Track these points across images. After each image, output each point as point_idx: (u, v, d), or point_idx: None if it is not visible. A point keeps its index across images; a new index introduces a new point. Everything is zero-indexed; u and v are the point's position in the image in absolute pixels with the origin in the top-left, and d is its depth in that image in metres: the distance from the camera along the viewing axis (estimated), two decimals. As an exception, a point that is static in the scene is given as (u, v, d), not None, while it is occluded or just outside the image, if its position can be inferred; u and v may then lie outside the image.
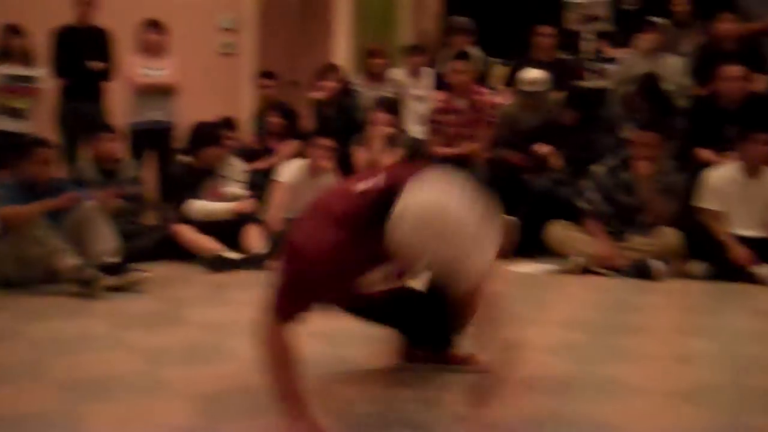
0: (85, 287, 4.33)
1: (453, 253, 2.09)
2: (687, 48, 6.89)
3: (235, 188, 5.79)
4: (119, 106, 6.70)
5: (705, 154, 5.62)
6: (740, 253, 4.89)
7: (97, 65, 6.57)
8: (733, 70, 5.71)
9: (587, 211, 5.21)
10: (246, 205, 5.63)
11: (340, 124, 6.66)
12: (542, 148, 5.97)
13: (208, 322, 3.83)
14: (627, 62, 6.67)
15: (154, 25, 6.72)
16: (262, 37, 8.64)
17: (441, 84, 6.94)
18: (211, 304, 4.30)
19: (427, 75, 7.32)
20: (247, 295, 4.72)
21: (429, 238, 2.08)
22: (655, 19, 6.64)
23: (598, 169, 5.26)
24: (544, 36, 6.88)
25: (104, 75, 6.67)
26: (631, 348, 3.38)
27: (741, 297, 4.57)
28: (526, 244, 5.58)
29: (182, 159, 5.98)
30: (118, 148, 5.74)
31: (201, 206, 5.53)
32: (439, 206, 2.10)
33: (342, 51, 8.53)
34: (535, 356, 3.21)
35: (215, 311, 4.13)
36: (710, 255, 4.99)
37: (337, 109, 6.84)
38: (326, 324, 2.87)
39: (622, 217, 5.20)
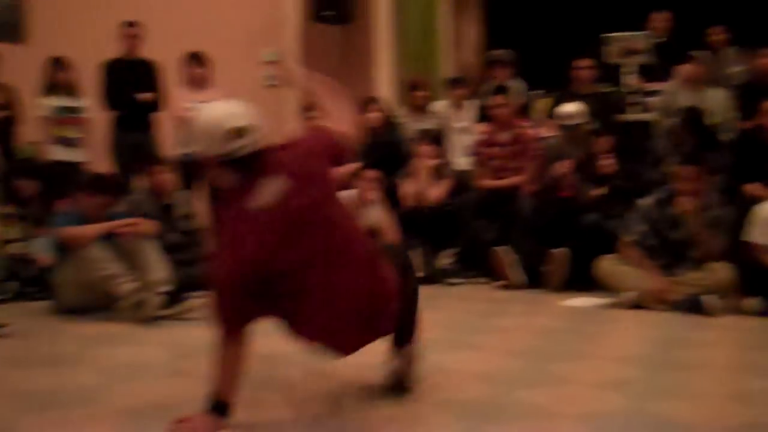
0: (141, 313, 4.41)
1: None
2: (726, 78, 6.92)
3: None
4: (168, 137, 6.81)
5: (753, 188, 5.60)
6: None
7: (146, 97, 6.69)
8: (774, 103, 5.68)
9: (631, 243, 5.19)
10: None
11: (385, 156, 6.71)
12: (562, 167, 5.98)
13: (263, 352, 3.84)
14: (669, 95, 6.67)
15: (197, 58, 6.82)
16: (305, 69, 8.74)
17: (483, 116, 6.99)
18: (268, 333, 4.33)
19: (470, 107, 7.37)
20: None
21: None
22: (694, 51, 6.66)
23: (645, 202, 5.25)
24: (583, 69, 6.91)
25: (153, 106, 6.79)
26: (685, 385, 3.36)
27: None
28: (576, 277, 5.58)
29: None
30: (171, 180, 5.81)
31: None
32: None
33: (384, 83, 8.61)
34: (586, 392, 3.22)
35: (270, 341, 4.15)
36: (763, 290, 4.93)
37: (381, 141, 6.89)
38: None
39: (670, 252, 5.17)
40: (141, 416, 2.81)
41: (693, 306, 4.89)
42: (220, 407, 2.66)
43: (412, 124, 7.07)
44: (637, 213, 5.22)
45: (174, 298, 4.58)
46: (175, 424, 2.66)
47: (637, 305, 5.04)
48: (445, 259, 6.29)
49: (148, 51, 6.88)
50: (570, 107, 6.21)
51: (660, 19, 7.58)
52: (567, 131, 6.22)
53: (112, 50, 6.80)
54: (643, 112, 7.26)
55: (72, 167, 6.28)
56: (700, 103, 6.36)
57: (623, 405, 3.04)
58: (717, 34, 7.24)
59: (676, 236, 5.13)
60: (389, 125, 6.94)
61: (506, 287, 5.81)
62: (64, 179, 5.91)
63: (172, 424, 2.65)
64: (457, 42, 8.79)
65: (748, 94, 6.43)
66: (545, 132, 6.79)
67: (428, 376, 3.21)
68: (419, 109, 7.12)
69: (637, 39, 7.47)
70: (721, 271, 5.00)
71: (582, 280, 5.53)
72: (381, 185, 6.00)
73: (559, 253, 5.61)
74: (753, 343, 4.40)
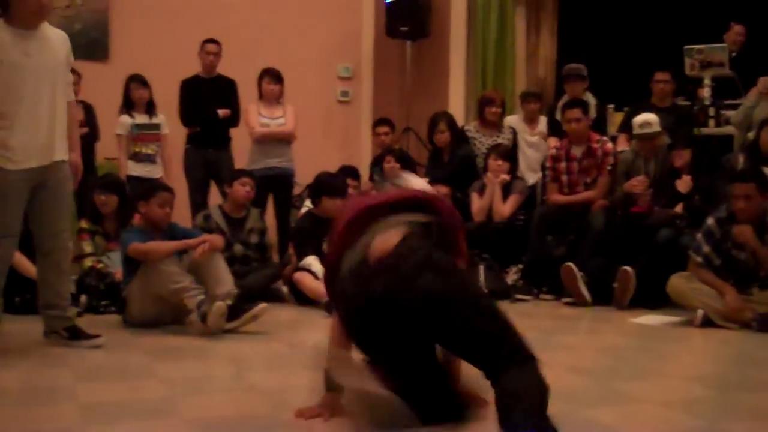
0: (208, 326, 4.48)
1: None
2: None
3: None
4: (241, 153, 6.93)
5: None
6: None
7: (225, 113, 6.83)
8: None
9: (699, 264, 5.10)
10: None
11: (455, 171, 6.72)
12: (636, 184, 5.90)
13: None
14: (747, 108, 6.53)
15: (272, 74, 6.92)
16: (378, 84, 8.82)
17: (556, 131, 6.94)
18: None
19: (543, 122, 7.33)
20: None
21: None
22: None
23: (709, 219, 5.15)
24: (662, 82, 6.82)
25: (230, 123, 6.92)
26: (758, 405, 3.28)
27: None
28: (648, 294, 5.51)
29: (309, 209, 6.08)
30: (248, 193, 5.90)
31: (314, 265, 5.66)
32: None
33: (457, 98, 8.62)
34: (655, 411, 3.17)
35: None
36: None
37: (451, 156, 6.91)
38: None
39: (735, 270, 5.06)
40: (209, 429, 2.86)
41: (766, 324, 4.78)
42: None
43: (483, 139, 7.07)
44: (701, 232, 5.12)
45: (238, 310, 4.64)
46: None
47: (708, 323, 4.95)
48: (513, 275, 6.27)
49: (223, 67, 7.03)
50: (645, 116, 6.15)
51: (734, 32, 7.46)
52: (642, 140, 6.14)
53: (192, 68, 6.96)
54: (721, 125, 7.12)
55: (149, 183, 6.44)
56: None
57: (692, 425, 2.98)
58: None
59: (740, 254, 5.03)
60: (459, 140, 6.95)
61: (573, 304, 5.76)
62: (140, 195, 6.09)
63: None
64: (531, 55, 8.74)
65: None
66: (619, 146, 6.72)
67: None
68: (491, 124, 7.11)
69: (715, 51, 7.33)
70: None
71: (655, 297, 5.46)
72: (450, 200, 6.00)
73: (627, 270, 5.54)
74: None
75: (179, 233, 5.02)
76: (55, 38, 4.06)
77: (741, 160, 5.96)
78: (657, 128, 6.10)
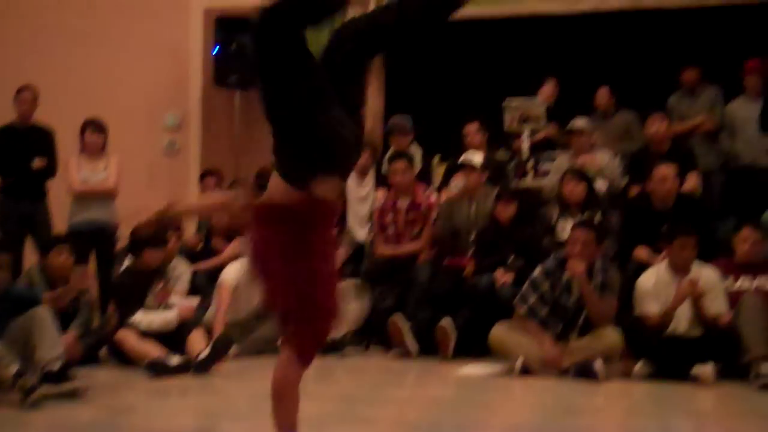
0: (24, 396, 4.21)
1: None
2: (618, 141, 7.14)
3: (178, 298, 5.77)
4: (60, 205, 6.66)
5: (641, 253, 5.74)
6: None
7: (39, 164, 6.55)
8: (666, 170, 5.84)
9: (524, 315, 5.27)
10: (187, 314, 5.57)
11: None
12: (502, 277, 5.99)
13: (147, 430, 3.75)
14: (561, 163, 6.82)
15: (94, 125, 6.70)
16: (206, 135, 8.70)
17: (383, 183, 7.00)
18: (151, 411, 4.23)
19: (371, 175, 7.38)
20: (188, 402, 4.69)
21: None
22: (581, 124, 6.80)
23: (536, 271, 5.34)
24: (473, 134, 7.02)
25: (46, 174, 6.65)
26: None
27: (681, 398, 4.60)
28: (470, 345, 5.61)
29: (128, 264, 5.88)
30: (67, 261, 5.63)
31: (144, 320, 5.47)
32: None
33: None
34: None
35: (156, 419, 4.05)
36: (649, 353, 5.03)
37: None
38: None
39: (561, 319, 5.24)
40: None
41: (583, 372, 4.96)
42: None
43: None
44: (528, 283, 5.30)
45: (61, 375, 4.40)
46: None
47: (528, 371, 5.09)
48: (343, 329, 6.21)
49: (45, 116, 6.76)
50: (471, 153, 6.37)
51: (550, 86, 7.78)
52: (465, 175, 6.34)
53: (10, 115, 6.66)
54: (539, 178, 7.38)
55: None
56: (588, 168, 6.51)
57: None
58: (603, 97, 7.45)
59: (568, 302, 5.22)
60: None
61: (401, 356, 5.80)
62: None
63: None
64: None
65: (637, 160, 6.61)
66: (443, 197, 6.85)
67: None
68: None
69: (532, 106, 7.62)
70: (611, 336, 5.10)
71: (480, 346, 5.56)
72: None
73: (442, 327, 5.64)
74: (639, 408, 4.51)
75: (18, 294, 4.72)
76: None
77: (555, 213, 6.20)
78: (482, 168, 6.32)
